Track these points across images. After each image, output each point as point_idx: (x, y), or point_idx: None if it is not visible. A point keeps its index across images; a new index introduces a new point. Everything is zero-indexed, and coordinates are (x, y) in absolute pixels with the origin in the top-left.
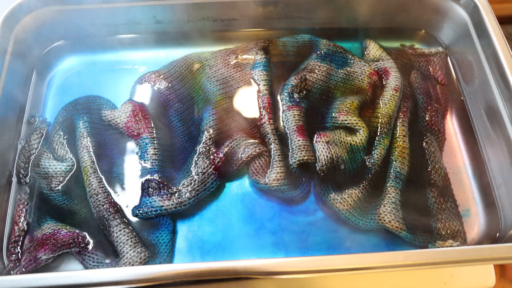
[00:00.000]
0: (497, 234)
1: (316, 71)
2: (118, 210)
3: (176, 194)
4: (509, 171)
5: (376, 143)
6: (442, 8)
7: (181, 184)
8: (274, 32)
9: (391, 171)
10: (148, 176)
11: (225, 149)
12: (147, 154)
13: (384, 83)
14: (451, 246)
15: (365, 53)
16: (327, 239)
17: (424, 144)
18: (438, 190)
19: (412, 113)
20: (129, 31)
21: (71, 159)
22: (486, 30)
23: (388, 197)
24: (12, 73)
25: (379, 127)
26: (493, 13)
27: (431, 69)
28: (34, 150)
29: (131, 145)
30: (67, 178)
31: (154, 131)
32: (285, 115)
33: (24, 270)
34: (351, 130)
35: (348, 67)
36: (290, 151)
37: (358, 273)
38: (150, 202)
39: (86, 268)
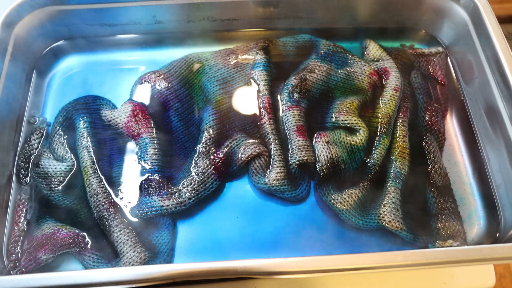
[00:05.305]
0: (497, 234)
1: (316, 71)
2: (118, 210)
3: (176, 194)
4: (509, 171)
5: (376, 143)
6: (442, 8)
7: (181, 184)
8: (274, 32)
9: (391, 171)
10: (148, 176)
11: (225, 149)
12: (147, 154)
13: (384, 83)
14: (451, 246)
15: (365, 53)
16: (327, 239)
17: (424, 144)
18: (438, 190)
19: (412, 113)
20: (129, 31)
21: (71, 159)
22: (486, 30)
23: (388, 197)
24: (12, 73)
25: (379, 127)
26: (493, 13)
27: (431, 69)
28: (34, 150)
29: (131, 145)
30: (67, 178)
31: (154, 131)
32: (285, 115)
33: (24, 270)
34: (351, 130)
35: (348, 67)
36: (290, 151)
37: (358, 273)
38: (150, 202)
39: (86, 268)
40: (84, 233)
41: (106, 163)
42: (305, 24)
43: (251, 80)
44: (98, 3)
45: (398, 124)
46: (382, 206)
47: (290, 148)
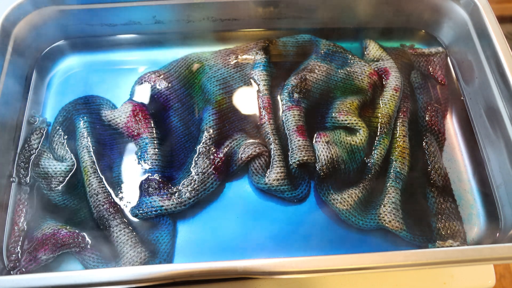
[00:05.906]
0: (497, 234)
1: (316, 71)
2: (118, 210)
3: (176, 194)
4: (509, 171)
5: (376, 143)
6: (442, 8)
7: (181, 184)
8: (274, 32)
9: (391, 171)
10: (148, 176)
11: (225, 149)
12: (147, 154)
13: (384, 83)
14: (451, 246)
15: (365, 53)
16: (327, 239)
17: (424, 144)
18: (438, 190)
19: (412, 113)
20: (129, 31)
21: (71, 159)
22: (486, 30)
23: (388, 197)
24: (12, 73)
25: (379, 127)
26: (493, 13)
27: (431, 69)
28: (34, 150)
29: (131, 145)
30: (67, 178)
31: (154, 131)
32: (285, 115)
33: (24, 270)
34: (351, 130)
35: (348, 67)
36: (290, 151)
37: (358, 273)
38: (150, 202)
39: (86, 268)
40: (84, 233)
41: (106, 163)
42: (305, 24)
43: (251, 80)
44: (98, 3)
45: (398, 124)
46: (382, 206)
47: (290, 148)
